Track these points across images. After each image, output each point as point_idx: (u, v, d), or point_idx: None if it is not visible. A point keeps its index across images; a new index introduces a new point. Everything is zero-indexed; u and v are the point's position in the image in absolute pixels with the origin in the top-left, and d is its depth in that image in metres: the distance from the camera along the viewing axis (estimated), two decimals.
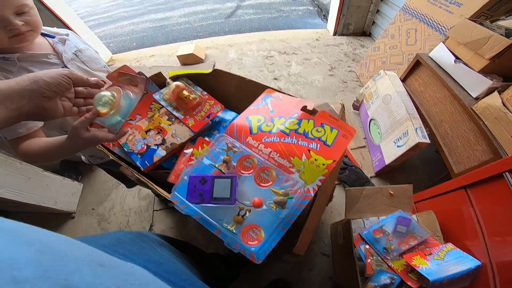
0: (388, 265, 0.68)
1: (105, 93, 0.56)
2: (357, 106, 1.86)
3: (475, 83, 1.14)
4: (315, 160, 0.45)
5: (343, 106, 0.65)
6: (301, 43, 2.78)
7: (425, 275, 0.61)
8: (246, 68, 2.47)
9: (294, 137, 0.48)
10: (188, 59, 2.55)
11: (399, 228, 0.76)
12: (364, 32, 2.90)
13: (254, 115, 0.54)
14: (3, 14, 0.64)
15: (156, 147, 0.64)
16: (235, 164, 0.46)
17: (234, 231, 0.39)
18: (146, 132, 0.68)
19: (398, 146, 1.36)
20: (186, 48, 2.59)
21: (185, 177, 0.47)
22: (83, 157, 1.02)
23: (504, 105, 0.98)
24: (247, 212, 0.40)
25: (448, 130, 1.26)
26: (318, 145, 0.47)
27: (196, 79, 0.79)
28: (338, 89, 2.15)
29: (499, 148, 0.98)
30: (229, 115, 0.73)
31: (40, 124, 0.71)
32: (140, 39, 3.64)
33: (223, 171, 0.46)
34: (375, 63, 2.09)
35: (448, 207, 0.90)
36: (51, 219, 1.50)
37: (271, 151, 0.47)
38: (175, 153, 0.67)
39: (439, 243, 0.76)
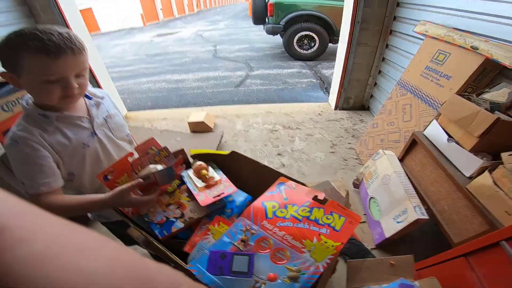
0: None
1: (156, 166, 0.74)
2: (357, 185, 1.92)
3: (467, 162, 1.23)
4: (325, 242, 0.51)
5: (347, 193, 0.73)
6: (304, 118, 3.00)
7: None
8: (251, 141, 2.60)
9: (306, 223, 0.55)
10: (198, 127, 2.73)
11: None
12: (363, 106, 3.16)
13: (269, 201, 0.61)
14: (67, 75, 0.68)
15: (175, 220, 0.71)
16: (252, 243, 0.52)
17: None
18: (167, 205, 0.75)
19: (397, 222, 1.40)
20: (197, 115, 2.80)
21: (206, 251, 0.52)
22: (89, 214, 1.07)
23: (495, 184, 1.06)
24: (263, 285, 0.44)
25: (445, 207, 1.31)
26: (328, 230, 0.53)
27: (214, 158, 0.89)
28: (339, 167, 2.23)
29: (494, 221, 1.02)
30: (242, 196, 0.80)
31: (61, 183, 0.74)
32: (155, 99, 3.95)
33: (240, 248, 0.52)
34: (374, 141, 2.22)
35: (451, 273, 0.91)
36: None
37: (284, 234, 0.53)
38: (191, 226, 0.73)
39: None
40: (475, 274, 0.81)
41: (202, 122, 2.71)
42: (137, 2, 15.10)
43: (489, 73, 1.47)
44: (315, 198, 0.60)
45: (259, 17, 5.78)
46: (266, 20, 5.74)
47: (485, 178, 1.10)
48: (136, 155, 0.82)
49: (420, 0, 2.11)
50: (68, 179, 0.79)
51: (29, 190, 0.70)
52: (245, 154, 0.86)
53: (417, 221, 1.27)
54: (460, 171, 1.26)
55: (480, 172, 1.17)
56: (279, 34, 5.71)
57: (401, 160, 1.69)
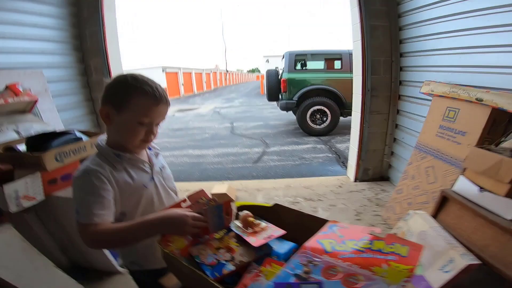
0: None
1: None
2: None
3: (504, 206, 1.18)
4: (397, 267, 0.48)
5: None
6: (325, 190, 2.99)
7: None
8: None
9: (370, 253, 0.53)
10: (221, 198, 2.76)
11: None
12: (382, 177, 3.13)
13: (325, 239, 0.61)
14: (155, 121, 0.80)
15: (225, 262, 0.71)
16: (318, 274, 0.49)
17: None
18: (217, 249, 0.76)
19: (445, 272, 1.23)
20: (220, 187, 2.90)
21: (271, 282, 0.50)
22: (118, 262, 0.99)
23: None
24: None
25: (496, 251, 1.19)
26: (395, 257, 0.51)
27: (257, 210, 0.90)
28: None
29: None
30: (287, 244, 0.79)
31: (112, 220, 0.75)
32: (177, 172, 4.07)
33: (305, 278, 0.49)
34: (401, 205, 2.15)
35: None
36: None
37: (350, 264, 0.50)
38: (240, 270, 0.70)
39: None
40: None
41: (225, 194, 2.76)
42: (162, 76, 16.98)
43: (500, 123, 1.54)
44: (373, 233, 0.59)
45: (273, 94, 6.28)
46: (280, 96, 6.16)
47: None
48: (188, 202, 0.85)
49: (420, 62, 2.38)
50: (119, 218, 0.81)
51: (82, 219, 0.72)
52: None
53: (468, 267, 1.11)
54: (500, 216, 1.19)
55: None
56: (292, 111, 6.05)
57: (433, 217, 1.60)
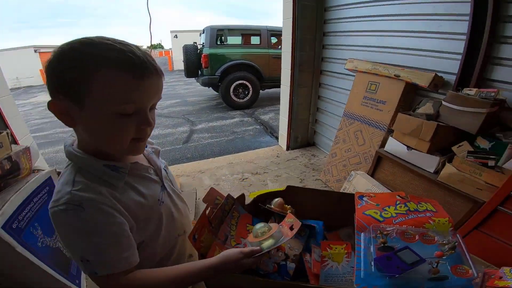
0: None
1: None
2: None
3: (428, 161, 1.58)
4: (439, 221, 0.63)
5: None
6: (266, 162, 3.18)
7: None
8: (228, 192, 2.61)
9: (413, 214, 0.66)
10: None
11: None
12: (309, 143, 3.55)
13: (368, 210, 0.70)
14: (145, 106, 0.52)
15: (285, 262, 0.71)
16: (396, 241, 0.59)
17: (440, 275, 0.49)
18: (268, 252, 0.73)
19: None
20: None
21: (371, 263, 0.55)
22: None
23: (458, 170, 1.40)
24: (437, 263, 0.51)
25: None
26: (431, 213, 0.66)
27: (272, 196, 0.93)
28: None
29: (473, 197, 1.33)
30: (313, 224, 0.86)
31: (138, 259, 0.57)
32: None
33: (393, 247, 0.57)
34: (337, 168, 2.53)
35: (473, 245, 1.12)
36: None
37: (406, 227, 0.63)
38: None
39: (497, 269, 0.90)
40: (492, 237, 1.04)
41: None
42: (35, 57, 13.05)
43: (410, 94, 2.00)
44: (400, 197, 0.73)
45: (192, 70, 6.01)
46: (200, 72, 5.97)
47: (449, 169, 1.44)
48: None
49: (340, 41, 2.70)
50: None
51: (100, 270, 0.51)
52: None
53: None
54: (425, 170, 1.60)
55: (440, 166, 1.52)
56: (213, 86, 6.01)
57: (371, 175, 2.00)
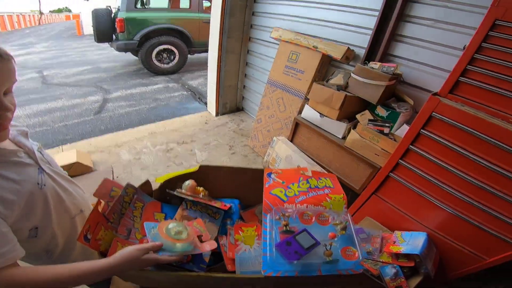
0: (380, 261, 0.92)
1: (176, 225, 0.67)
2: None
3: (337, 128, 1.74)
4: (335, 198, 0.68)
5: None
6: (193, 130, 3.04)
7: (413, 253, 0.81)
8: (150, 167, 2.41)
9: (313, 191, 0.69)
10: (73, 170, 2.21)
11: (361, 235, 1.03)
12: (238, 108, 3.55)
13: (275, 189, 0.71)
14: None
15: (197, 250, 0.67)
16: (296, 222, 0.61)
17: (333, 259, 0.53)
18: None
19: None
20: (65, 157, 2.24)
21: (273, 249, 0.56)
22: None
23: (361, 136, 1.58)
24: (331, 245, 0.56)
25: (337, 165, 1.80)
26: (328, 190, 0.70)
27: (183, 178, 0.87)
28: (244, 164, 2.48)
29: (372, 163, 1.53)
30: (229, 202, 0.85)
31: (22, 254, 0.56)
32: None
33: (291, 230, 0.60)
34: (262, 133, 2.60)
35: (373, 209, 1.30)
36: None
37: (307, 205, 0.66)
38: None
39: (391, 233, 1.08)
40: (387, 203, 1.22)
41: (77, 163, 2.22)
42: None
43: (325, 65, 2.11)
44: (303, 173, 0.76)
45: (104, 35, 5.18)
46: (114, 37, 5.24)
47: (353, 135, 1.61)
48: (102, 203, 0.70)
49: (269, 9, 2.63)
50: (30, 236, 0.61)
51: None
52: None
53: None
54: (335, 135, 1.76)
55: (347, 132, 1.69)
56: (131, 51, 5.35)
57: (291, 140, 2.12)
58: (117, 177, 2.29)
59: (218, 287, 0.65)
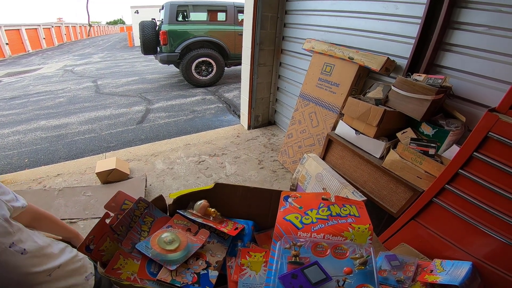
0: None
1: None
2: (294, 189, 2.12)
3: (374, 146, 1.58)
4: (359, 228, 0.58)
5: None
6: (225, 142, 3.06)
7: (451, 283, 0.71)
8: (181, 177, 2.45)
9: (334, 220, 0.60)
10: (111, 176, 2.35)
11: (393, 263, 0.89)
12: (269, 122, 3.51)
13: (289, 215, 0.63)
14: None
15: (206, 271, 0.64)
16: (307, 253, 0.53)
17: None
18: (185, 262, 0.66)
19: None
20: (105, 163, 2.39)
21: (276, 280, 0.50)
22: None
23: (401, 157, 1.41)
24: (344, 281, 0.47)
25: (373, 186, 1.63)
26: (352, 219, 0.60)
27: (198, 196, 0.83)
28: (272, 179, 2.41)
29: (413, 186, 1.35)
30: (243, 223, 0.79)
31: None
32: (33, 153, 3.14)
33: (301, 262, 0.52)
34: (293, 149, 2.51)
35: (410, 236, 1.14)
36: None
37: (324, 235, 0.57)
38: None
39: (429, 261, 0.92)
40: (427, 229, 1.06)
41: (115, 170, 2.35)
42: None
43: (363, 77, 1.96)
44: (324, 199, 0.67)
45: (149, 47, 5.66)
46: (158, 49, 5.65)
47: (393, 155, 1.44)
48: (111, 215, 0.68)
49: (301, 20, 2.59)
50: None
51: None
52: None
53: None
54: (372, 155, 1.61)
55: (386, 151, 1.53)
56: (173, 63, 5.70)
57: (323, 158, 1.99)
58: (150, 185, 2.37)
59: None
